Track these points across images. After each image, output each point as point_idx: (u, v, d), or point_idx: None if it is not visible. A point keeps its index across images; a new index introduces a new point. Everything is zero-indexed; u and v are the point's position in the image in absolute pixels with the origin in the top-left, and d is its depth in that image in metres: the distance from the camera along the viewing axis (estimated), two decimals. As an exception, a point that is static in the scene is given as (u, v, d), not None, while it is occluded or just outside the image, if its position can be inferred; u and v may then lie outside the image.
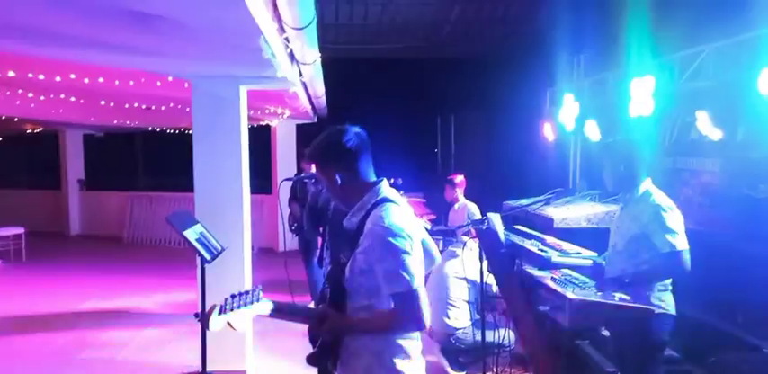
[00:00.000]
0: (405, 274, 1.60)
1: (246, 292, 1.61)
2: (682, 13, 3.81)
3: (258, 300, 1.64)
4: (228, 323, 1.55)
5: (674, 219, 2.52)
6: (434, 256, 2.03)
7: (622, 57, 4.16)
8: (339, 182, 1.76)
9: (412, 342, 1.75)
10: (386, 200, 1.72)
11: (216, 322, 1.53)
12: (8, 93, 5.55)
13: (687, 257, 2.49)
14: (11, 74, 4.44)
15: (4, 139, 9.65)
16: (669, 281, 2.60)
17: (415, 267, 1.64)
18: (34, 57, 3.69)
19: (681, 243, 2.48)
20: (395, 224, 1.63)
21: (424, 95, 9.12)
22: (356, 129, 1.77)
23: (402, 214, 1.69)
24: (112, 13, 2.44)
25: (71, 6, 2.38)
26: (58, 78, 4.43)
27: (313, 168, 6.29)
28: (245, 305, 1.60)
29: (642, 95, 3.73)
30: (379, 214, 1.66)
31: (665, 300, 2.59)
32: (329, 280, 1.83)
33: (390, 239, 1.61)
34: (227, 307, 1.56)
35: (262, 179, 8.35)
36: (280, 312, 1.71)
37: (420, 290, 1.63)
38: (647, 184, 2.66)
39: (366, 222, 1.69)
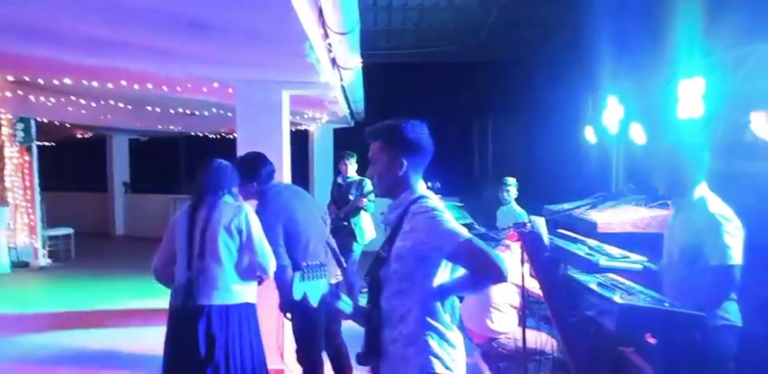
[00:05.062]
0: (454, 227, 1.70)
1: (318, 265, 1.73)
2: (732, 11, 3.69)
3: (325, 277, 1.75)
4: (305, 293, 1.67)
5: (732, 230, 2.36)
6: None
7: (669, 58, 4.05)
8: (404, 167, 1.81)
9: (448, 329, 1.79)
10: (422, 196, 1.82)
11: (298, 288, 1.66)
12: (63, 99, 5.83)
13: (737, 272, 2.33)
14: (67, 81, 4.67)
15: (56, 144, 10.09)
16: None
17: (461, 228, 1.72)
18: (89, 65, 3.87)
19: (735, 256, 2.32)
20: (436, 207, 1.77)
21: (461, 99, 9.11)
22: (428, 138, 1.87)
23: (440, 202, 1.81)
24: (166, 22, 2.54)
25: (127, 16, 2.49)
26: (110, 85, 4.63)
27: (350, 170, 6.27)
28: (318, 277, 1.72)
29: (692, 97, 3.62)
30: (420, 205, 1.77)
31: (730, 311, 2.45)
32: (368, 275, 1.87)
33: (432, 214, 1.73)
34: (307, 275, 1.68)
35: (300, 182, 8.45)
36: (334, 296, 1.78)
37: (475, 239, 1.69)
38: (702, 189, 2.53)
39: (404, 218, 1.78)
